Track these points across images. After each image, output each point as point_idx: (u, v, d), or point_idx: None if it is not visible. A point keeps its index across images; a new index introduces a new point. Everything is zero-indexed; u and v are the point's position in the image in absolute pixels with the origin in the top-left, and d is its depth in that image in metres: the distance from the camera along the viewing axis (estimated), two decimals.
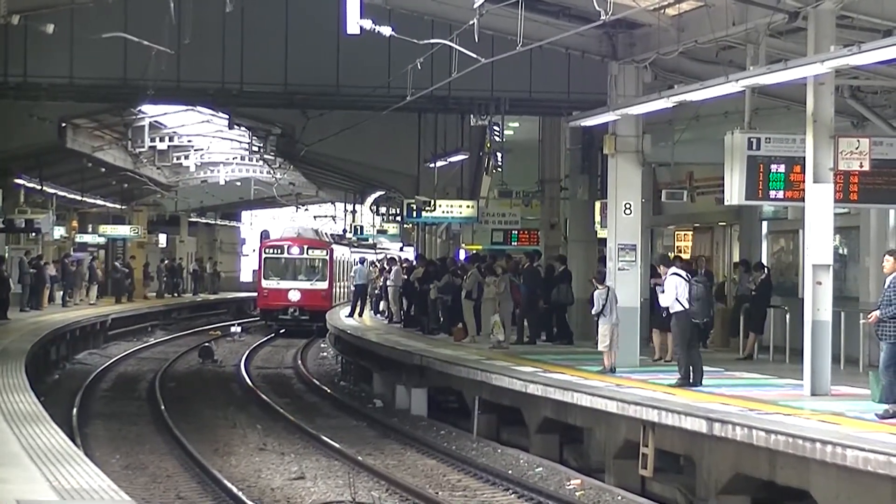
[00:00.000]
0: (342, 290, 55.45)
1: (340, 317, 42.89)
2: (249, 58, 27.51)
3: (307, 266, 53.12)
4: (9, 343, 29.99)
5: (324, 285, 52.57)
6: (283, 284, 52.29)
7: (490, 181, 41.24)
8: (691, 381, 19.87)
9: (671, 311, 20.21)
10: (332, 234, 59.87)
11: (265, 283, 52.73)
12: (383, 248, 66.33)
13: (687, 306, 19.85)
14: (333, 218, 73.73)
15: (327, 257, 53.31)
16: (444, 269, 33.89)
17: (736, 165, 19.24)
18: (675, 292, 19.94)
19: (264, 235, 58.89)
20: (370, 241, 63.74)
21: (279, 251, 53.42)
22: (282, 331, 52.17)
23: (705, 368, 20.32)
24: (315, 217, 74.87)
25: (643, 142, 24.10)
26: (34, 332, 33.64)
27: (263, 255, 53.67)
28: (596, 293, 22.37)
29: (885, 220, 25.22)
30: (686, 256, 34.59)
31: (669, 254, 21.86)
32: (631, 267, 24.05)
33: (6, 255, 43.30)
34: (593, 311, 22.36)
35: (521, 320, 29.88)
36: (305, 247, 53.41)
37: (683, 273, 20.25)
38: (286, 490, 18.83)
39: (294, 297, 51.98)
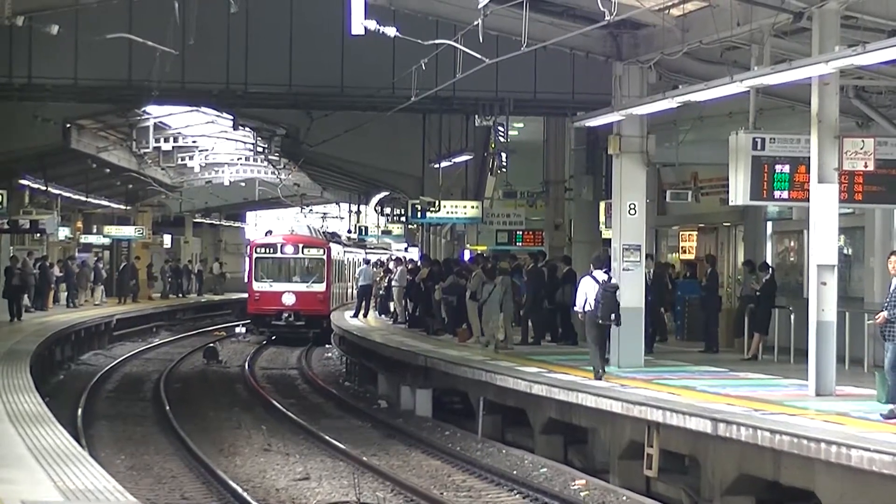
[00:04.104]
0: (340, 292, 52.57)
1: (345, 317, 42.81)
2: (254, 58, 27.54)
3: (302, 266, 48.32)
4: (14, 344, 30.00)
5: (321, 287, 47.70)
6: (277, 287, 47.32)
7: (495, 182, 41.24)
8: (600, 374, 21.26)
9: (584, 310, 21.56)
10: (325, 233, 57.78)
11: (256, 286, 47.65)
12: (374, 248, 64.60)
13: (593, 307, 21.22)
14: (323, 216, 72.93)
15: (324, 257, 48.77)
16: (448, 269, 33.85)
17: (740, 166, 19.22)
18: (584, 295, 21.40)
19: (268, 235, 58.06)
20: (367, 240, 61.88)
21: (271, 250, 48.48)
22: (273, 338, 47.79)
23: (710, 369, 20.43)
24: (306, 215, 73.26)
25: (648, 142, 24.07)
26: (39, 333, 33.65)
27: (254, 255, 48.46)
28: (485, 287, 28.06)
29: (889, 220, 25.22)
30: (691, 256, 34.75)
31: (602, 254, 23.07)
32: (635, 267, 24.02)
33: (10, 254, 43.35)
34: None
35: (525, 321, 29.87)
36: (300, 245, 48.81)
37: (600, 277, 21.44)
38: (291, 491, 18.83)
39: (288, 300, 47.02)
